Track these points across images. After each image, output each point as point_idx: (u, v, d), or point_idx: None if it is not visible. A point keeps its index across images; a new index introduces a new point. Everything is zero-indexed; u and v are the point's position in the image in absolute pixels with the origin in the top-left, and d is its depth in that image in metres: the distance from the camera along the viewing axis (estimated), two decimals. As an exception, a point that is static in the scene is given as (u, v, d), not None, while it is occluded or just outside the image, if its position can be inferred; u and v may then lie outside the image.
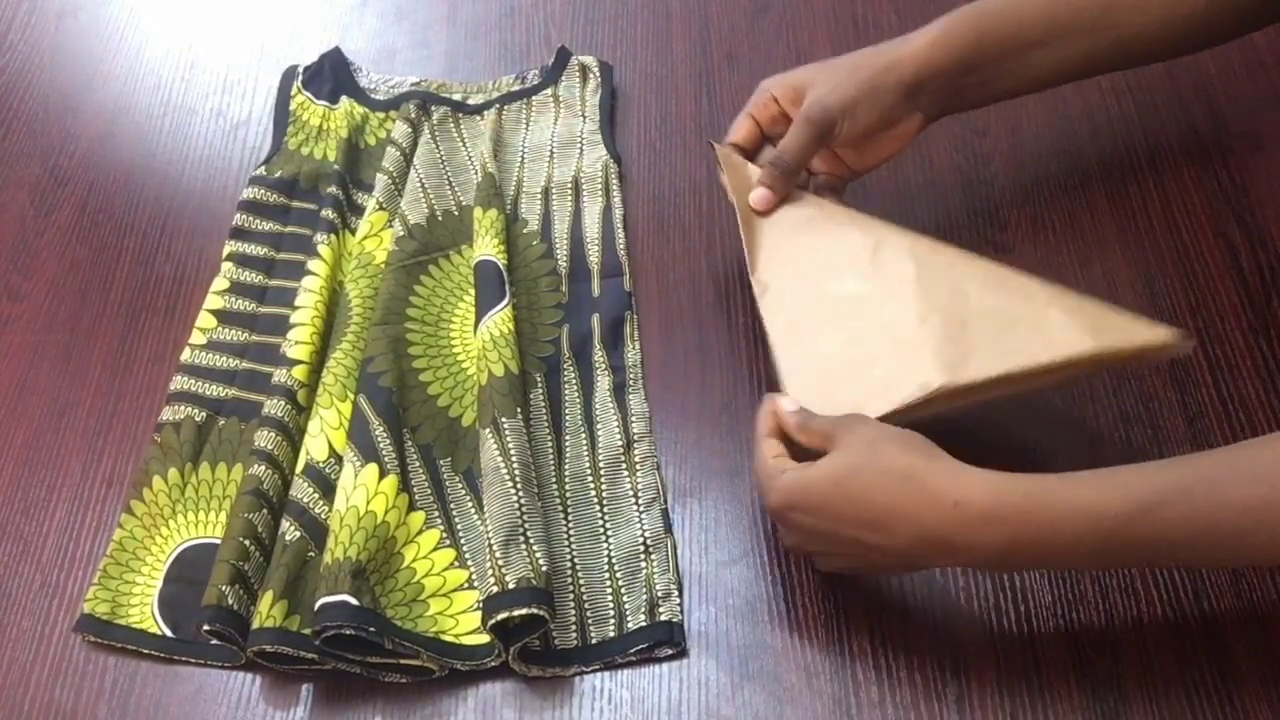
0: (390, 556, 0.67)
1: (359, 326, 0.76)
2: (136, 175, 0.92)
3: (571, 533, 0.70)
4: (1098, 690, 0.62)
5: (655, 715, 0.64)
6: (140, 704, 0.66)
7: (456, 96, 0.93)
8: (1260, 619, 0.64)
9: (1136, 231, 0.81)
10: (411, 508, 0.69)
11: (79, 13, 1.04)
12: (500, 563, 0.64)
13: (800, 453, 0.62)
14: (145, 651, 0.67)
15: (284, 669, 0.65)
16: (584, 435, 0.74)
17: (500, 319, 0.75)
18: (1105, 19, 0.73)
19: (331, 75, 0.94)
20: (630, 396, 0.75)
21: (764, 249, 0.72)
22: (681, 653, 0.66)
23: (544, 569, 0.64)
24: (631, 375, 0.76)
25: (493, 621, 0.62)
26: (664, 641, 0.65)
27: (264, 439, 0.71)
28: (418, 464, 0.71)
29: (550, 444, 0.73)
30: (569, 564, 0.68)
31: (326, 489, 0.69)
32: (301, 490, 0.68)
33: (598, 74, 0.93)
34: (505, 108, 0.92)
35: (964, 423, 0.65)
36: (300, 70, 0.95)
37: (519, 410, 0.71)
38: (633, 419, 0.74)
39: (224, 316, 0.80)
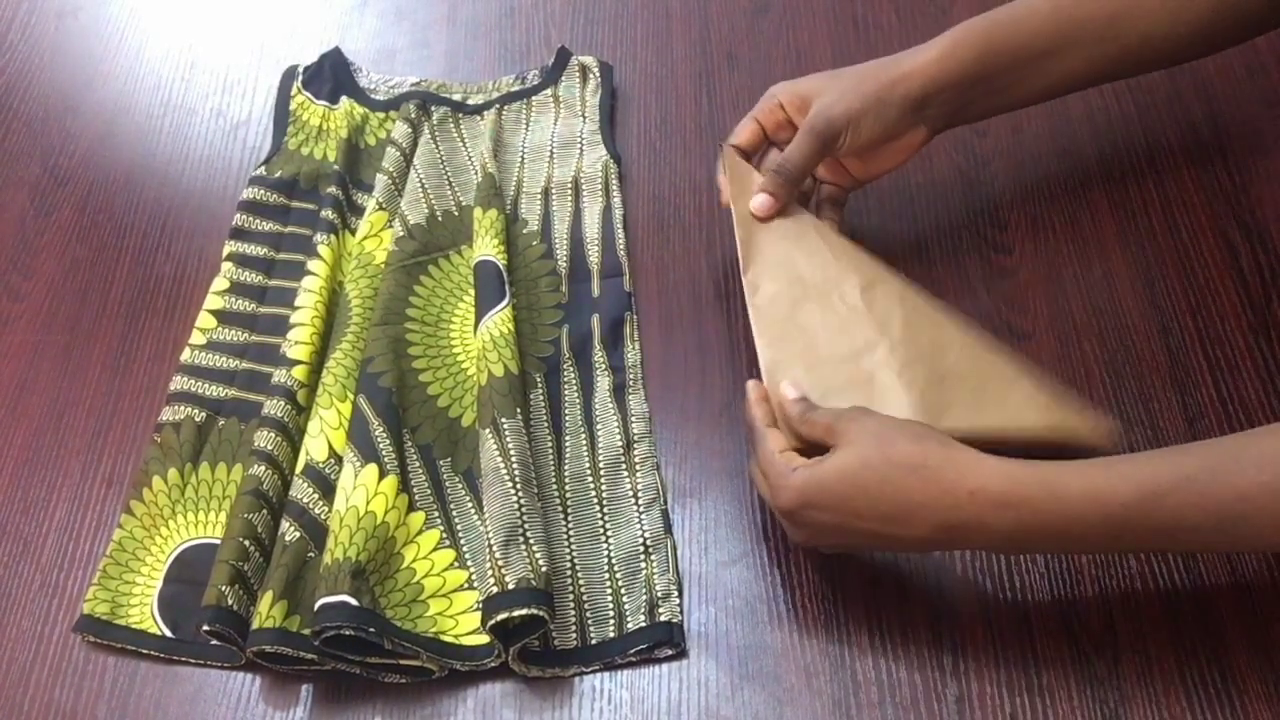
0: (390, 557, 0.67)
1: (359, 327, 0.76)
2: (136, 175, 0.92)
3: (571, 533, 0.70)
4: (1098, 690, 0.62)
5: (655, 716, 0.64)
6: (140, 704, 0.66)
7: (456, 96, 0.93)
8: (1261, 619, 0.64)
9: (1136, 232, 0.81)
10: (411, 508, 0.69)
11: (79, 13, 1.04)
12: (500, 563, 0.64)
13: (800, 439, 0.63)
14: (145, 652, 0.67)
15: (284, 669, 0.65)
16: (584, 435, 0.74)
17: (500, 319, 0.75)
18: (1111, 29, 0.73)
19: (331, 75, 0.94)
20: (630, 397, 0.75)
21: (760, 254, 0.72)
22: (681, 653, 0.66)
23: (544, 569, 0.64)
24: (631, 375, 0.76)
25: (492, 622, 0.62)
26: (664, 642, 0.65)
27: (264, 439, 0.71)
28: (417, 464, 0.71)
29: (550, 444, 0.73)
30: (569, 564, 0.68)
31: (326, 489, 0.69)
32: (301, 490, 0.68)
33: (598, 74, 0.93)
34: (505, 108, 0.92)
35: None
36: (300, 70, 0.95)
37: (519, 410, 0.71)
38: (633, 419, 0.74)
39: (224, 317, 0.81)
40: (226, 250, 0.84)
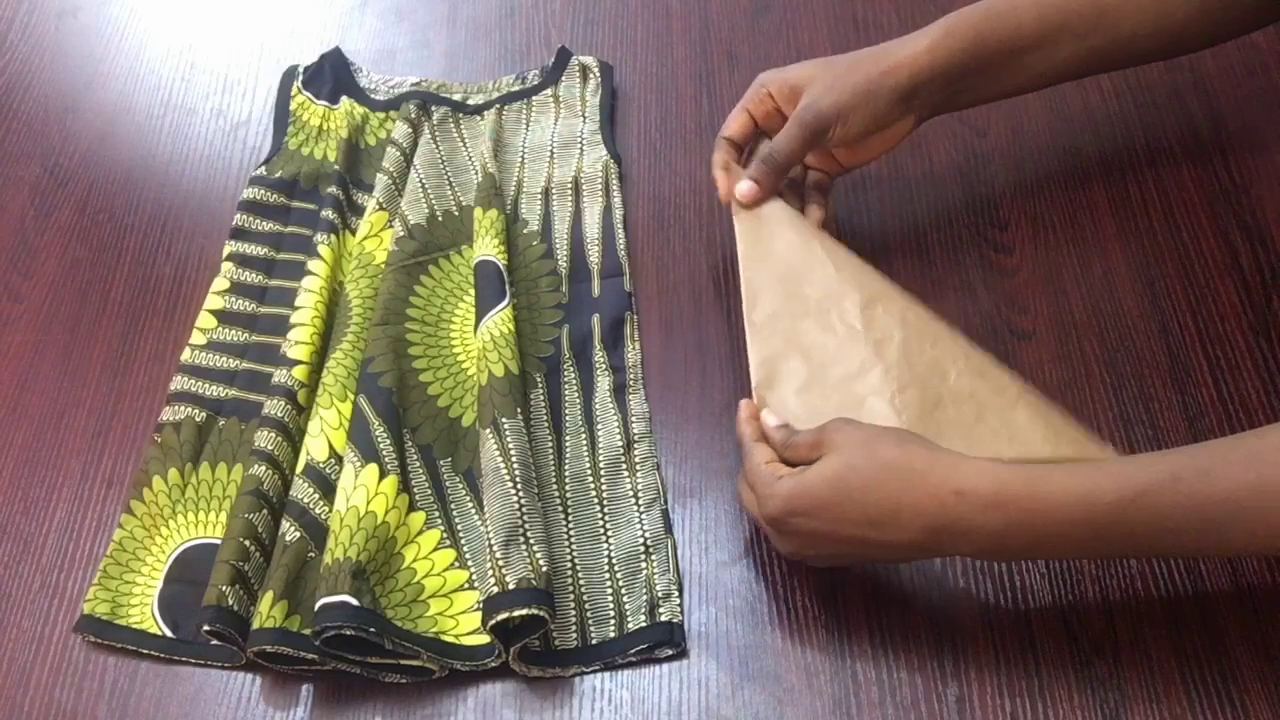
0: (390, 557, 0.67)
1: (359, 327, 0.76)
2: (136, 175, 0.92)
3: (572, 533, 0.70)
4: (1098, 690, 0.62)
5: (655, 715, 0.64)
6: (140, 704, 0.66)
7: (456, 97, 0.93)
8: (1261, 619, 0.64)
9: (1136, 232, 0.81)
10: (412, 508, 0.69)
11: (79, 13, 1.04)
12: (500, 563, 0.64)
13: (786, 462, 0.63)
14: (145, 652, 0.67)
15: (284, 669, 0.65)
16: (584, 435, 0.74)
17: (500, 319, 0.75)
18: (1100, 22, 0.73)
19: (331, 75, 0.94)
20: (630, 397, 0.75)
21: (761, 266, 0.72)
22: (682, 653, 0.66)
23: (544, 569, 0.64)
24: (631, 375, 0.76)
25: (493, 622, 0.62)
26: (664, 642, 0.65)
27: (264, 439, 0.71)
28: (418, 464, 0.71)
29: (550, 444, 0.73)
30: (569, 564, 0.68)
31: (327, 489, 0.69)
32: (301, 490, 0.68)
33: (598, 74, 0.93)
34: (505, 108, 0.92)
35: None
36: (300, 70, 0.95)
37: (519, 410, 0.71)
38: (633, 419, 0.74)
39: (224, 317, 0.80)
40: (227, 250, 0.84)
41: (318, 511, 0.68)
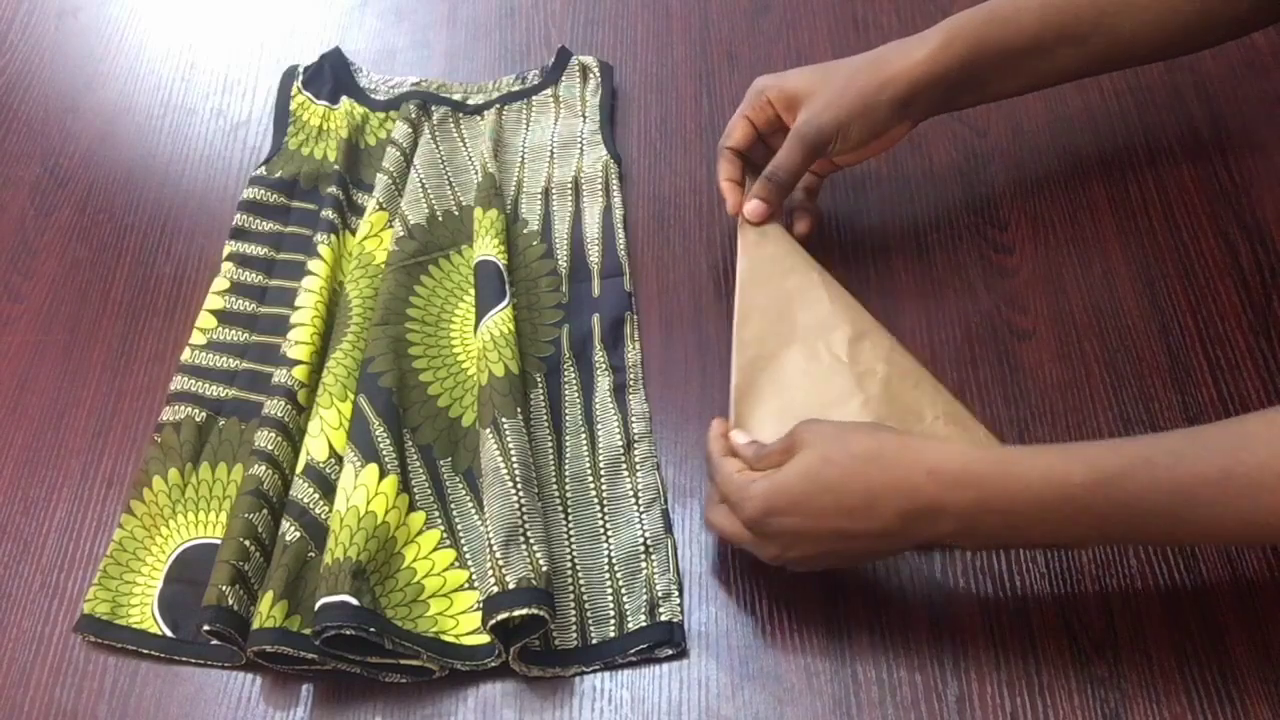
0: (390, 557, 0.67)
1: (359, 327, 0.76)
2: (136, 175, 0.92)
3: (572, 533, 0.70)
4: (1098, 690, 0.62)
5: (655, 715, 0.64)
6: (140, 704, 0.66)
7: (456, 97, 0.93)
8: (1261, 619, 0.64)
9: (1136, 232, 0.81)
10: (412, 508, 0.69)
11: (79, 13, 1.04)
12: (500, 563, 0.64)
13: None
14: (145, 652, 0.67)
15: (284, 669, 0.65)
16: (584, 435, 0.74)
17: (500, 319, 0.75)
18: (1100, 26, 0.73)
19: (331, 75, 0.94)
20: (630, 396, 0.75)
21: (759, 287, 0.74)
22: (682, 653, 0.66)
23: (544, 569, 0.64)
24: (631, 375, 0.76)
25: (493, 622, 0.62)
26: (664, 642, 0.65)
27: (264, 439, 0.71)
28: (418, 464, 0.71)
29: (550, 444, 0.73)
30: (569, 564, 0.68)
31: (327, 489, 0.69)
32: (301, 490, 0.68)
33: (598, 74, 0.93)
34: (505, 108, 0.92)
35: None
36: (300, 70, 0.95)
37: (519, 410, 0.71)
38: (633, 419, 0.74)
39: (224, 317, 0.80)
40: (227, 250, 0.84)
41: (318, 511, 0.68)
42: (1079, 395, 0.73)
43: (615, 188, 0.86)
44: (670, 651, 0.65)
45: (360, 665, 0.64)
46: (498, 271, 0.78)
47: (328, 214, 0.84)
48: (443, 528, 0.69)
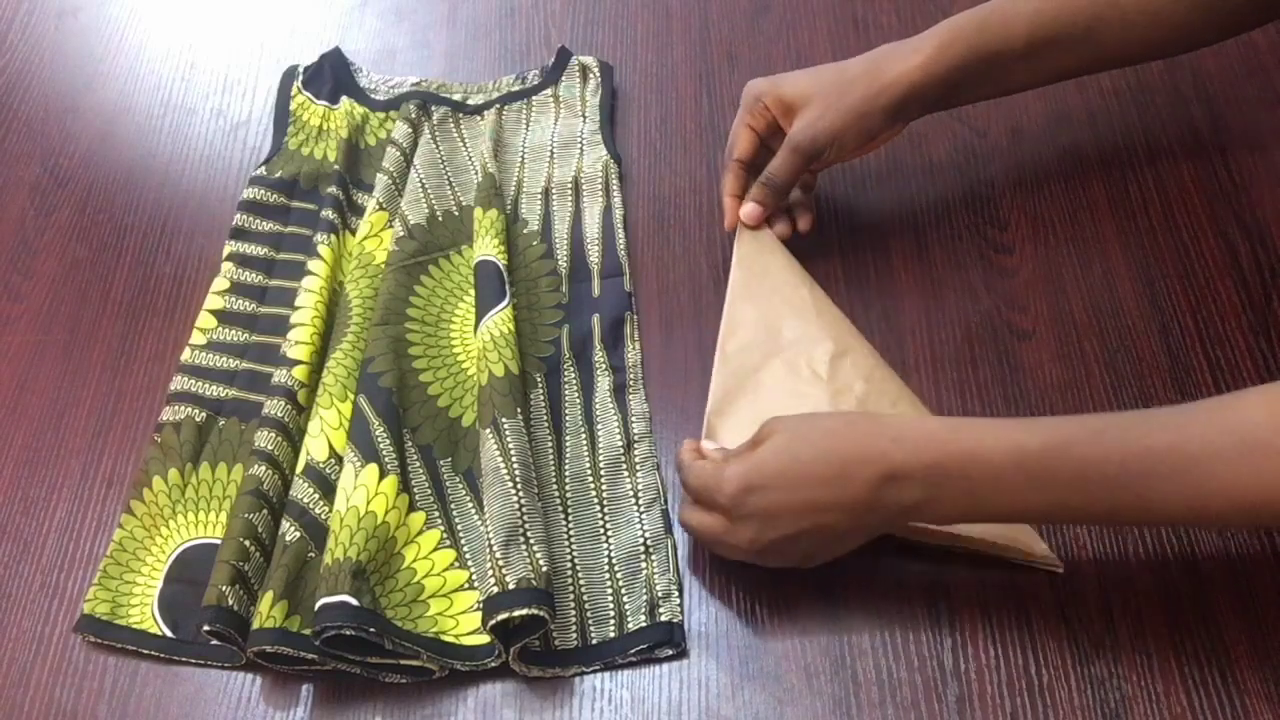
0: (390, 557, 0.67)
1: (359, 327, 0.76)
2: (136, 175, 0.92)
3: (572, 533, 0.70)
4: (1098, 690, 0.62)
5: (655, 715, 0.64)
6: (140, 704, 0.66)
7: (456, 97, 0.93)
8: (1262, 619, 0.64)
9: (1136, 232, 0.81)
10: (412, 508, 0.69)
11: (79, 13, 1.04)
12: (500, 563, 0.64)
13: None
14: (145, 652, 0.67)
15: (284, 669, 0.65)
16: (584, 435, 0.74)
17: (500, 319, 0.75)
18: (1093, 30, 0.74)
19: (331, 75, 0.94)
20: (630, 397, 0.75)
21: (748, 299, 0.76)
22: (682, 653, 0.66)
23: (544, 569, 0.64)
24: (631, 375, 0.76)
25: (493, 622, 0.62)
26: (664, 642, 0.65)
27: (264, 439, 0.71)
28: (418, 464, 0.71)
29: (550, 444, 0.73)
30: (569, 564, 0.68)
31: (327, 489, 0.69)
32: (301, 490, 0.68)
33: (598, 74, 0.93)
34: (505, 108, 0.92)
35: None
36: (300, 70, 0.95)
37: (519, 410, 0.71)
38: (633, 419, 0.74)
39: (224, 317, 0.80)
40: (227, 250, 0.84)
41: (318, 511, 0.68)
42: (1079, 395, 0.73)
43: (615, 188, 0.86)
44: (670, 651, 0.65)
45: (360, 665, 0.64)
46: (498, 271, 0.78)
47: (328, 214, 0.84)
48: (443, 528, 0.69)
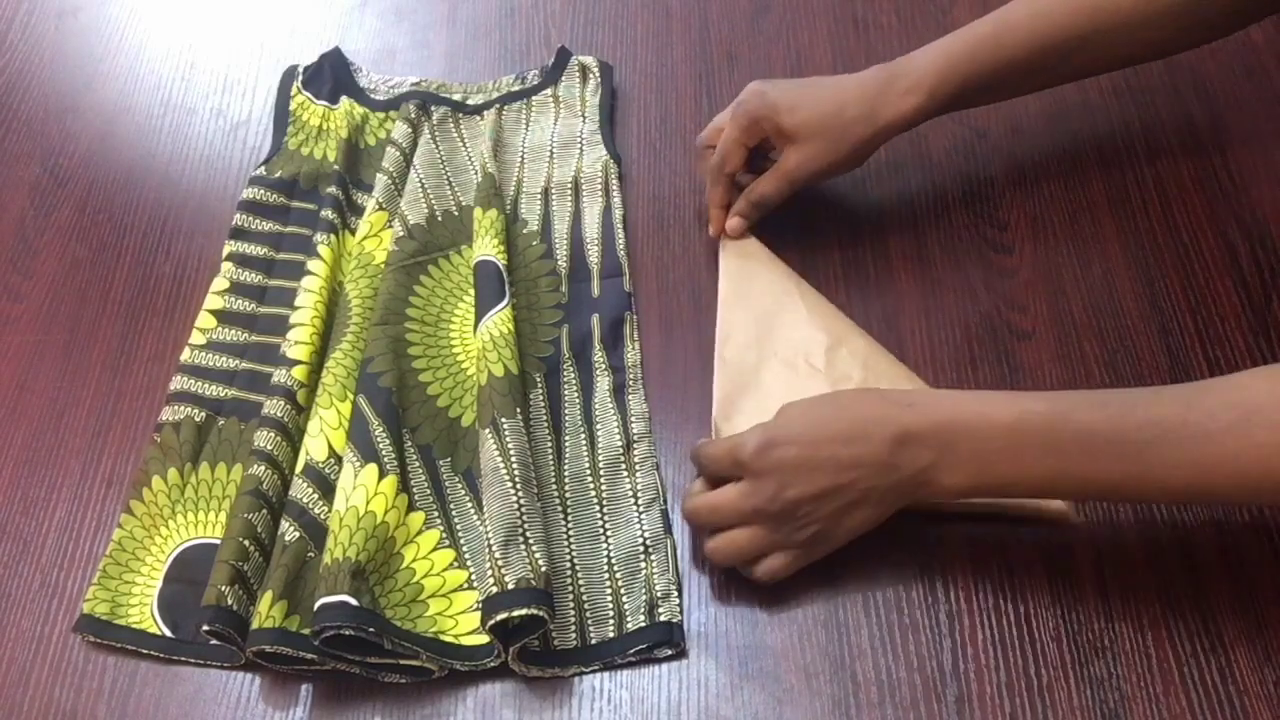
0: (390, 557, 0.67)
1: (359, 327, 0.76)
2: (136, 175, 0.92)
3: (571, 533, 0.70)
4: (1097, 690, 0.62)
5: (655, 715, 0.64)
6: (140, 704, 0.66)
7: (456, 97, 0.93)
8: (1261, 620, 0.64)
9: (1136, 232, 0.82)
10: (411, 508, 0.69)
11: (79, 13, 1.04)
12: (500, 563, 0.64)
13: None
14: (145, 652, 0.67)
15: (283, 669, 0.65)
16: (583, 436, 0.74)
17: (500, 319, 0.75)
18: (1081, 47, 0.76)
19: (331, 75, 0.94)
20: (630, 397, 0.75)
21: (741, 305, 0.77)
22: (681, 653, 0.66)
23: (543, 569, 0.64)
24: (631, 376, 0.76)
25: (492, 622, 0.62)
26: (663, 642, 0.65)
27: (264, 439, 0.71)
28: (417, 464, 0.71)
29: (550, 444, 0.73)
30: (568, 564, 0.68)
31: (326, 489, 0.69)
32: (301, 490, 0.68)
33: (597, 74, 0.93)
34: (505, 108, 0.92)
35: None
36: (300, 70, 0.95)
37: (518, 411, 0.71)
38: (632, 419, 0.74)
39: (224, 316, 0.80)
40: (226, 250, 0.84)
41: (317, 511, 0.68)
42: (1078, 395, 0.73)
43: (615, 188, 0.86)
44: (669, 652, 0.65)
45: (359, 665, 0.64)
46: (497, 272, 0.78)
47: (327, 214, 0.84)
48: (442, 528, 0.69)
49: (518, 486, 0.66)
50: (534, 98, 0.93)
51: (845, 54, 0.94)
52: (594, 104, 0.91)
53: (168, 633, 0.68)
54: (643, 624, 0.66)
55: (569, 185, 0.87)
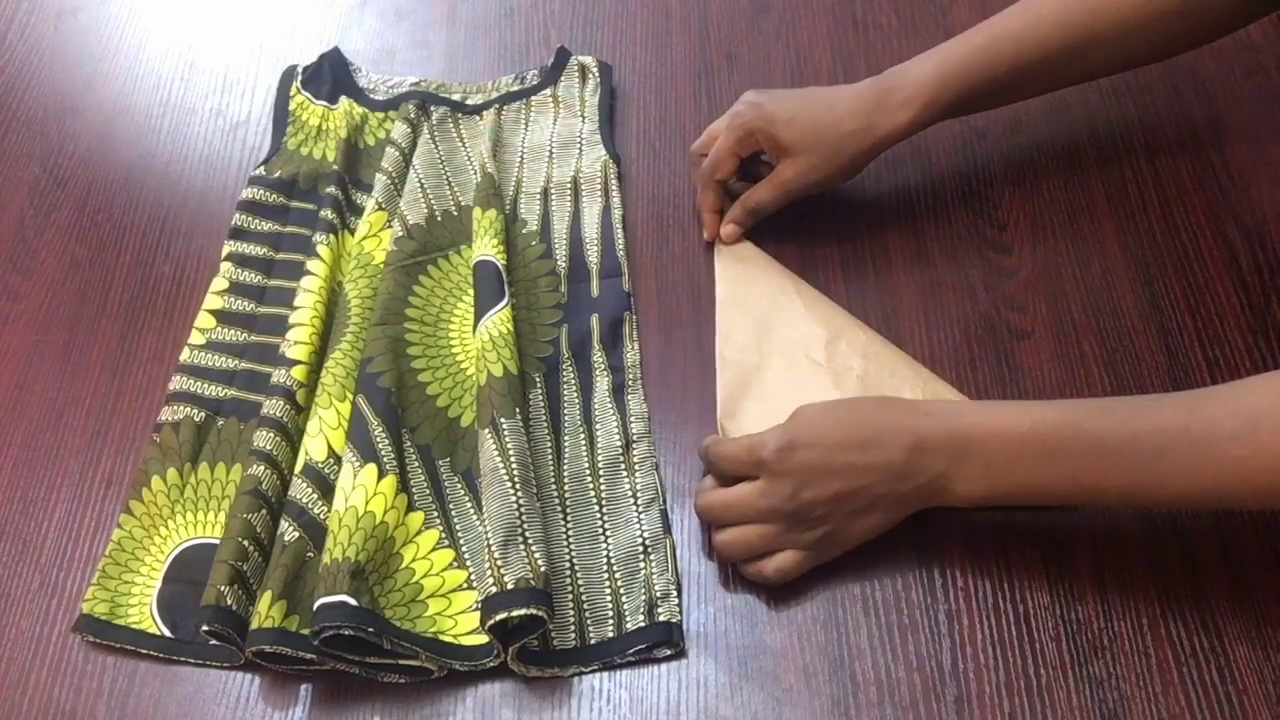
0: (389, 557, 0.67)
1: (358, 327, 0.76)
2: (136, 175, 0.92)
3: (570, 533, 0.70)
4: (1097, 690, 0.62)
5: (654, 715, 0.64)
6: (139, 704, 0.66)
7: (456, 97, 0.93)
8: (1260, 620, 0.64)
9: (1135, 231, 0.81)
10: (410, 508, 0.69)
11: (79, 13, 1.04)
12: (499, 563, 0.64)
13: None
14: (144, 652, 0.67)
15: (283, 669, 0.65)
16: (583, 436, 0.74)
17: (499, 319, 0.75)
18: (1074, 59, 0.76)
19: (331, 75, 0.94)
20: (629, 397, 0.75)
21: (739, 306, 0.78)
22: (680, 653, 0.66)
23: (543, 569, 0.64)
24: (630, 375, 0.76)
25: (491, 622, 0.62)
26: (663, 642, 0.65)
27: (263, 439, 0.71)
28: (416, 464, 0.71)
29: (549, 444, 0.73)
30: (568, 564, 0.68)
31: (325, 489, 0.69)
32: (300, 490, 0.68)
33: (597, 74, 0.93)
34: (504, 108, 0.92)
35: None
36: (299, 70, 0.95)
37: (518, 411, 0.71)
38: (632, 419, 0.74)
39: (223, 317, 0.81)
40: (226, 250, 0.84)
41: (316, 511, 0.68)
42: (1077, 395, 0.73)
43: (614, 188, 0.86)
44: (669, 652, 0.65)
45: (359, 665, 0.64)
46: (496, 272, 0.78)
47: (327, 214, 0.84)
48: (441, 528, 0.69)
49: (517, 486, 0.66)
50: (533, 98, 0.93)
51: (845, 54, 0.94)
52: (593, 104, 0.91)
53: (167, 633, 0.68)
54: (642, 624, 0.66)
55: (568, 185, 0.87)
